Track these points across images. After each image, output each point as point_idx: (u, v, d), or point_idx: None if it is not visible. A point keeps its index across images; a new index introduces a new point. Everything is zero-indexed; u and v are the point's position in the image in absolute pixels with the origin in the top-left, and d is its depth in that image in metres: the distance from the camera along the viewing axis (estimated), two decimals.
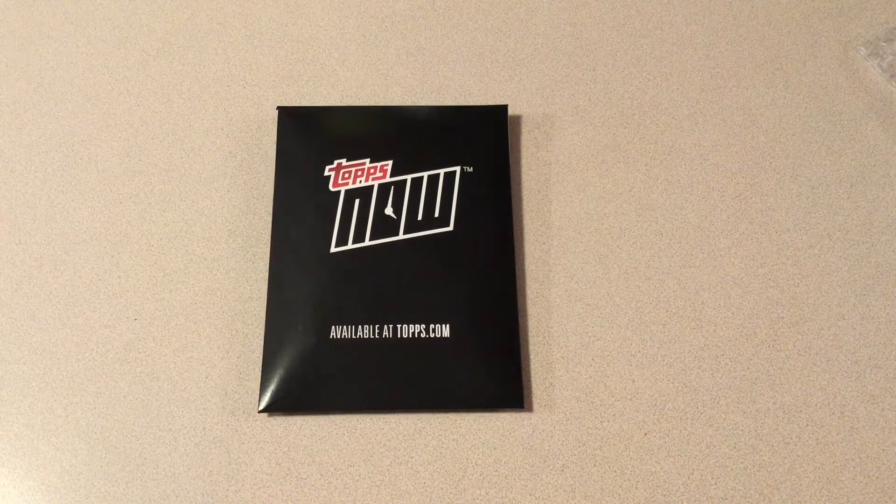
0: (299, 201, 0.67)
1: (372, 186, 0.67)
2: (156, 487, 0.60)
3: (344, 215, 0.66)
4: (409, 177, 0.68)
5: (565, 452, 0.61)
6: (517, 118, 0.73)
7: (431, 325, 0.63)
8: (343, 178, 0.68)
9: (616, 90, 0.74)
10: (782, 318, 0.65)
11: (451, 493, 0.60)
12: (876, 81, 0.75)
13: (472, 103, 0.73)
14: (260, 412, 0.61)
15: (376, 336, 0.63)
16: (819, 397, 0.63)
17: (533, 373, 0.64)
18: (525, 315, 0.65)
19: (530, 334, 0.65)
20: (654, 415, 0.62)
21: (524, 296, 0.66)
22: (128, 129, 0.72)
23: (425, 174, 0.68)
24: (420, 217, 0.67)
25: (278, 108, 0.71)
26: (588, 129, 0.72)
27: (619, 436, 0.62)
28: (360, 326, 0.63)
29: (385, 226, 0.66)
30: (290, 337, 0.63)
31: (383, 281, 0.64)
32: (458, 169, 0.68)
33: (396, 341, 0.63)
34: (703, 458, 0.61)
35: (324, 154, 0.69)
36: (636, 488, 0.60)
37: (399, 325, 0.63)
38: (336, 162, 0.68)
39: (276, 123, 0.72)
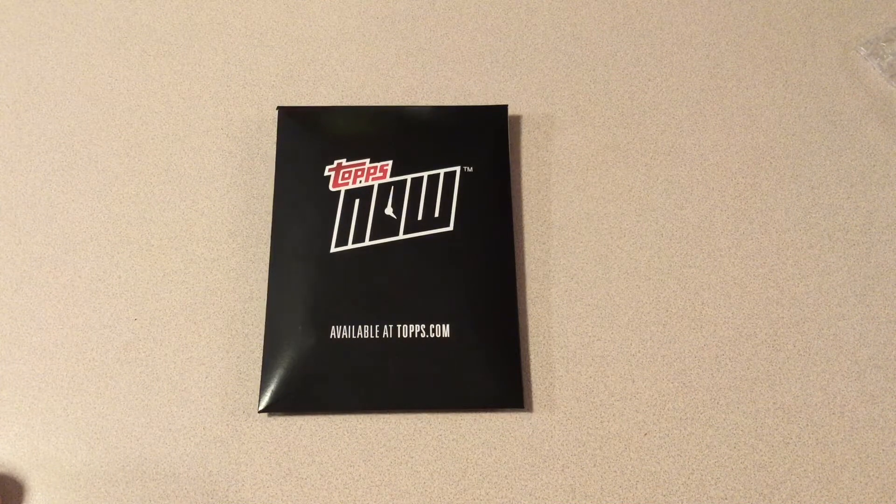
0: (299, 201, 0.67)
1: (372, 186, 0.67)
2: (156, 487, 0.60)
3: (344, 215, 0.66)
4: (409, 177, 0.68)
5: (565, 452, 0.61)
6: (517, 118, 0.73)
7: (431, 325, 0.63)
8: (343, 178, 0.68)
9: (616, 90, 0.74)
10: (782, 318, 0.65)
11: (451, 493, 0.60)
12: (876, 81, 0.75)
13: (472, 103, 0.73)
14: (260, 412, 0.61)
15: (376, 336, 0.63)
16: (819, 397, 0.63)
17: (533, 373, 0.64)
18: (525, 315, 0.65)
19: (530, 334, 0.65)
20: (654, 415, 0.62)
21: (524, 296, 0.66)
22: (128, 129, 0.72)
23: (425, 174, 0.68)
24: (420, 217, 0.66)
25: (278, 108, 0.71)
26: (588, 129, 0.72)
27: (619, 436, 0.62)
28: (360, 326, 0.63)
29: (385, 226, 0.66)
30: (290, 337, 0.63)
31: (383, 281, 0.64)
32: (458, 169, 0.68)
33: (396, 341, 0.63)
34: (703, 458, 0.61)
35: (324, 154, 0.69)
36: (636, 488, 0.60)
37: (399, 325, 0.63)
38: (336, 162, 0.68)
39: (276, 123, 0.72)
